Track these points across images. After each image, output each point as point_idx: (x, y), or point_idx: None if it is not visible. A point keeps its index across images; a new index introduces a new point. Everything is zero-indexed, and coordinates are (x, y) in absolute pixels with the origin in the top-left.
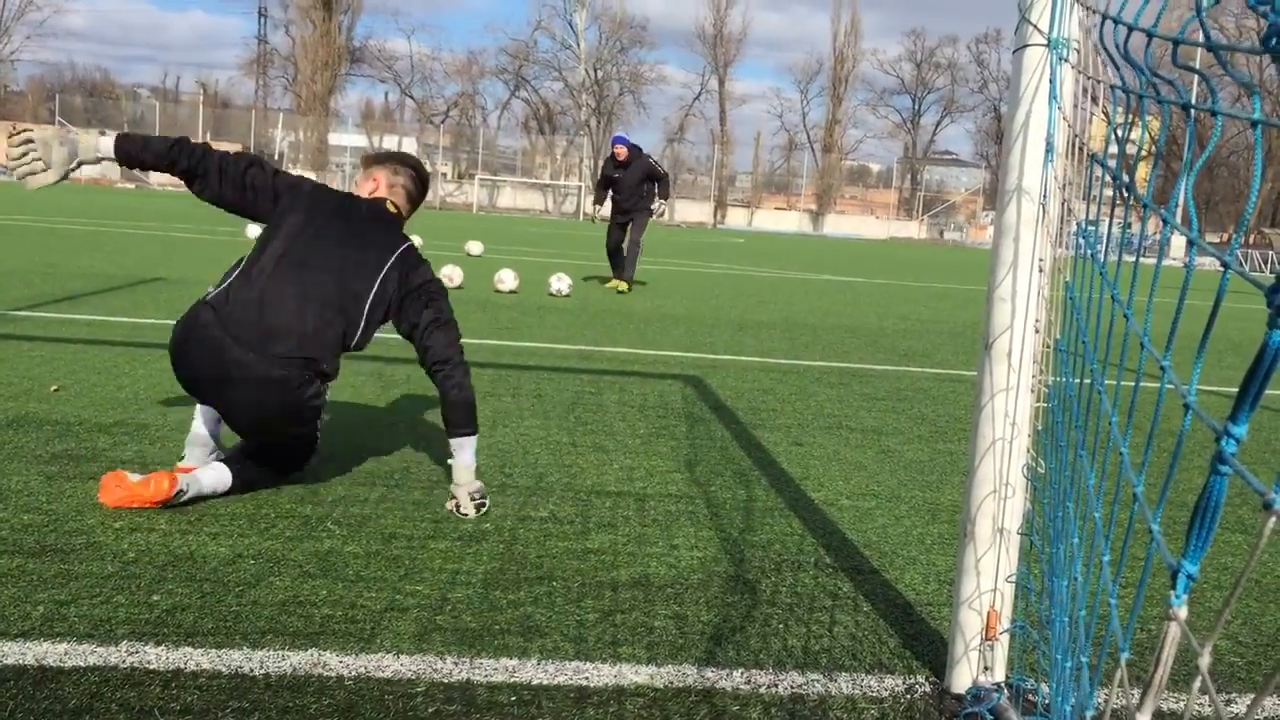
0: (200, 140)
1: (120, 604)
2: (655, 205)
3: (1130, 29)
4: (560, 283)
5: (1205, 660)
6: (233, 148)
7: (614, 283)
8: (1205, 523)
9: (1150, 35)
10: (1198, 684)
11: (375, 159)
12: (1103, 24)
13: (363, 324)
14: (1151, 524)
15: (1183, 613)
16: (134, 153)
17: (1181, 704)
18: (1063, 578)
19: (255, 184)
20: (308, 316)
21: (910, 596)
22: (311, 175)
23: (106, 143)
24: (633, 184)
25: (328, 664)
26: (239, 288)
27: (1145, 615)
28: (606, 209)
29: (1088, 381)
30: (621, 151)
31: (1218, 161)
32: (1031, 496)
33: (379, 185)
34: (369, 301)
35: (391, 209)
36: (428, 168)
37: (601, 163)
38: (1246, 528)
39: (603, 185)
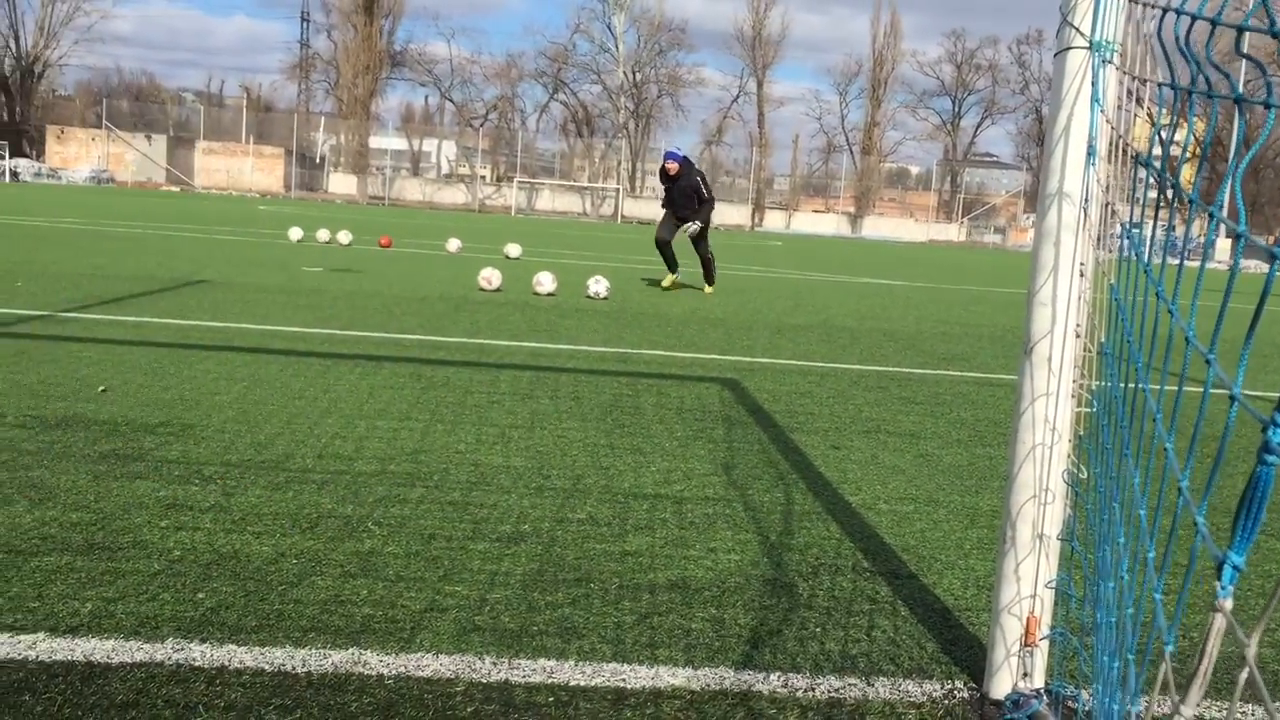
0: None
1: (166, 601)
2: (690, 228)
3: (1194, 19)
4: (598, 285)
5: (1252, 651)
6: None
7: (670, 278)
8: (1251, 513)
9: (1215, 24)
10: (1244, 675)
11: None
12: (1163, 17)
13: None
14: (1196, 516)
15: (1228, 604)
16: None
17: (1230, 713)
18: (1109, 579)
19: None
20: None
21: (949, 601)
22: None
23: None
24: (684, 195)
25: (368, 663)
26: None
27: (1188, 622)
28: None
29: (1132, 385)
30: (672, 167)
31: (1264, 162)
32: (1072, 502)
33: None
34: None
35: None
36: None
37: (647, 167)
38: None
39: (667, 192)
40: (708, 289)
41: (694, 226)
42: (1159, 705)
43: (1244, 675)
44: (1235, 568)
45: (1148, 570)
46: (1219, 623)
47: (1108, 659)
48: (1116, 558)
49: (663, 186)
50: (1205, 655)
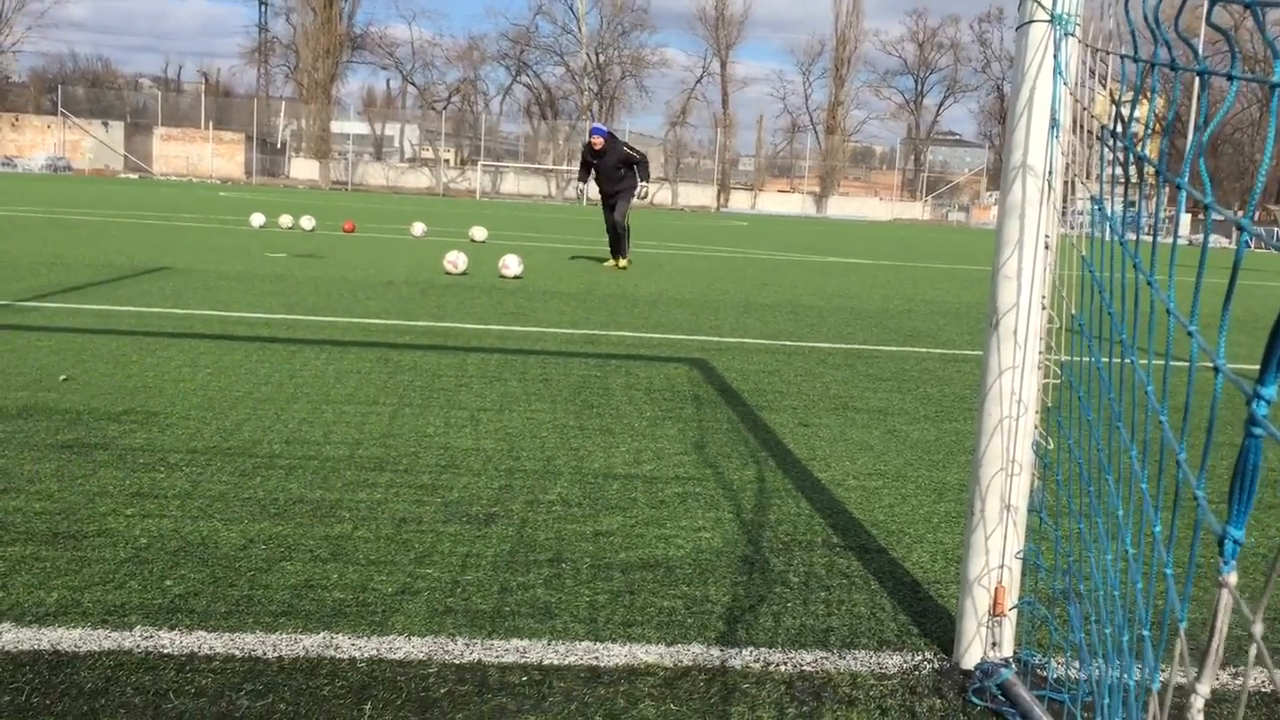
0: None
1: (134, 590)
2: (640, 190)
3: None
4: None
5: (1259, 628)
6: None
7: (610, 263)
8: (1245, 487)
9: None
10: (1253, 651)
11: None
12: None
13: None
14: (1196, 490)
15: (1233, 579)
16: None
17: (1244, 687)
18: (1107, 551)
19: None
20: None
21: (918, 574)
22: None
23: None
24: (611, 169)
25: (341, 646)
26: None
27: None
28: (594, 189)
29: (1112, 360)
30: (598, 142)
31: (1222, 138)
32: (1039, 473)
33: None
34: None
35: None
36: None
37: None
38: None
39: (584, 166)
40: (620, 262)
41: (646, 187)
42: (1175, 679)
43: (1253, 651)
44: (1236, 541)
45: (1155, 545)
46: (1226, 599)
47: (1110, 632)
48: (1115, 530)
49: (586, 162)
50: (1216, 632)
